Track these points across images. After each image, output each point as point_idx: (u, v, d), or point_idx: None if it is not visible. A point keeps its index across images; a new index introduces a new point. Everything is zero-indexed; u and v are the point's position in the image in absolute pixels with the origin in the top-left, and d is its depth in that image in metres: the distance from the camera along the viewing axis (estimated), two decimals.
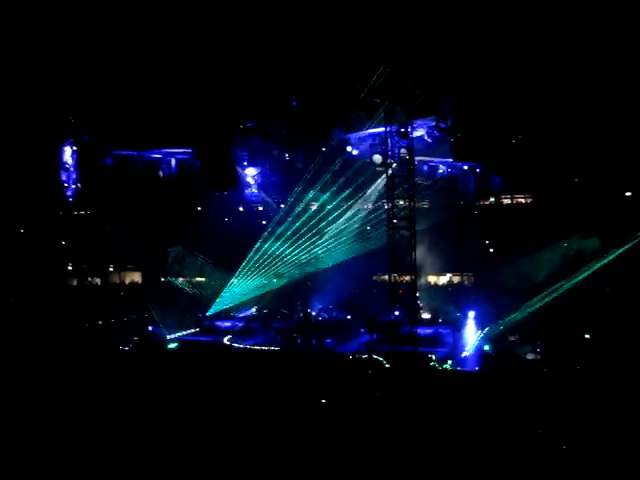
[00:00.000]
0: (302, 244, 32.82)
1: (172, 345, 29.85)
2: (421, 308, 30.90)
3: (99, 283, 36.84)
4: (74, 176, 35.25)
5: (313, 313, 32.17)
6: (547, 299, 27.90)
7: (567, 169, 30.66)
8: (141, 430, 18.77)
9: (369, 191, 32.36)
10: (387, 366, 25.95)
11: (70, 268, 36.63)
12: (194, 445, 17.97)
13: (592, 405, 20.40)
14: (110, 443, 17.85)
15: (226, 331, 31.83)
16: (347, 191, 32.26)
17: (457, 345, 28.29)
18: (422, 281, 31.50)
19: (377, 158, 29.11)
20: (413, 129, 28.81)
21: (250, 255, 32.48)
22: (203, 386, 23.03)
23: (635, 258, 27.54)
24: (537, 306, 27.92)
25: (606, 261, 27.84)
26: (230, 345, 30.06)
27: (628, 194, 30.25)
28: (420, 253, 29.72)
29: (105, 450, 17.42)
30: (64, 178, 35.17)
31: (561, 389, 22.54)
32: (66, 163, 34.94)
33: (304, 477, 16.42)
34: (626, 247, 27.66)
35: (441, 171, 33.34)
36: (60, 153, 34.79)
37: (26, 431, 18.25)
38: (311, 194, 32.71)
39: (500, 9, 27.73)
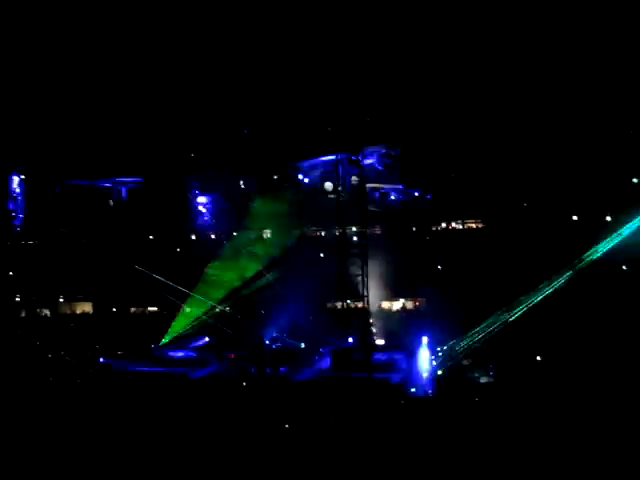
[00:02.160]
0: (254, 272, 32.76)
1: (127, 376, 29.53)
2: (375, 334, 30.98)
3: (49, 314, 36.19)
4: (22, 205, 34.74)
5: (267, 341, 32.01)
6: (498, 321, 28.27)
7: (517, 194, 31.11)
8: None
9: (320, 218, 32.45)
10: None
11: (18, 299, 35.90)
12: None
13: (544, 426, 20.71)
14: None
15: (179, 361, 31.53)
16: (299, 218, 32.34)
17: (411, 370, 28.41)
18: (375, 307, 31.56)
19: (328, 185, 29.35)
20: (364, 157, 29.07)
21: (201, 283, 32.30)
22: (160, 416, 22.85)
23: (582, 282, 28.09)
24: (486, 330, 28.26)
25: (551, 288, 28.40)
26: (184, 375, 29.80)
27: (575, 218, 30.79)
28: (372, 279, 29.87)
29: None
30: (12, 207, 34.64)
31: (514, 412, 22.81)
32: (14, 192, 34.44)
33: None
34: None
35: (392, 198, 33.58)
36: (8, 182, 34.29)
37: None
38: (262, 222, 32.73)
39: (447, 35, 28.22)
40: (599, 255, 28.40)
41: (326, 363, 29.37)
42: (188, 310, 32.95)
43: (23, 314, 35.77)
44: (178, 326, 32.89)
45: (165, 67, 29.61)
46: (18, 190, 34.62)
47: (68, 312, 35.81)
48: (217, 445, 20.34)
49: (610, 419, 20.74)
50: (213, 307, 33.04)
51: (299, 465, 18.87)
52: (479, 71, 28.56)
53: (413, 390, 26.68)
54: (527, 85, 28.39)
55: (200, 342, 33.03)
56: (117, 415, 23.23)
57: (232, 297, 32.99)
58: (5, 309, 34.69)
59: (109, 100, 30.48)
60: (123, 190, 35.03)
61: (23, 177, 34.51)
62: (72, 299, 35.67)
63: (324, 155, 30.47)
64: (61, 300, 35.60)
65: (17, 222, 34.98)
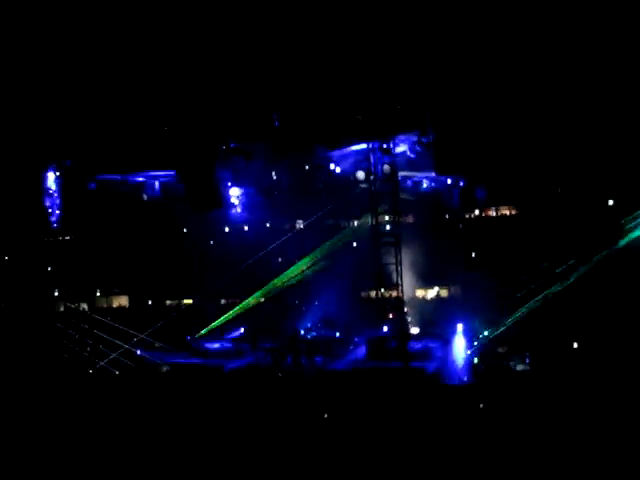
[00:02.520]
0: (289, 263, 32.89)
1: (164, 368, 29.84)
2: (409, 323, 30.93)
3: (86, 308, 36.65)
4: (58, 201, 35.12)
5: (302, 332, 32.11)
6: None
7: (551, 180, 30.79)
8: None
9: (353, 208, 32.44)
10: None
11: (57, 294, 36.38)
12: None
13: (582, 414, 20.51)
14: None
15: (215, 353, 31.75)
16: (331, 208, 32.37)
17: (446, 359, 28.32)
18: (409, 296, 31.48)
19: (360, 174, 29.27)
20: (395, 145, 28.96)
21: (238, 276, 32.48)
22: (197, 408, 23.03)
23: (617, 267, 27.75)
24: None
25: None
26: (220, 367, 30.01)
27: (610, 203, 30.39)
28: (407, 268, 29.79)
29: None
30: (48, 204, 35.04)
31: (550, 399, 22.65)
32: (49, 189, 34.82)
33: None
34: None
35: (425, 186, 33.42)
36: (43, 179, 34.68)
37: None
38: (295, 213, 32.80)
39: (480, 21, 27.94)
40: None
41: (361, 352, 29.38)
42: (223, 302, 33.18)
43: (62, 308, 36.24)
44: (214, 318, 33.14)
45: (198, 59, 29.65)
46: (54, 187, 34.95)
47: (105, 306, 36.27)
48: (256, 435, 20.44)
49: None
50: (248, 298, 33.24)
51: (338, 454, 18.91)
52: (512, 56, 28.23)
53: (447, 379, 26.62)
54: (562, 69, 28.02)
55: (236, 333, 33.22)
56: (154, 406, 23.46)
57: (267, 288, 33.16)
58: (44, 304, 35.15)
59: (141, 94, 30.61)
60: (156, 184, 35.27)
61: (58, 174, 34.83)
62: (109, 293, 36.08)
63: (355, 144, 30.38)
64: (98, 294, 36.03)
65: (53, 218, 35.33)
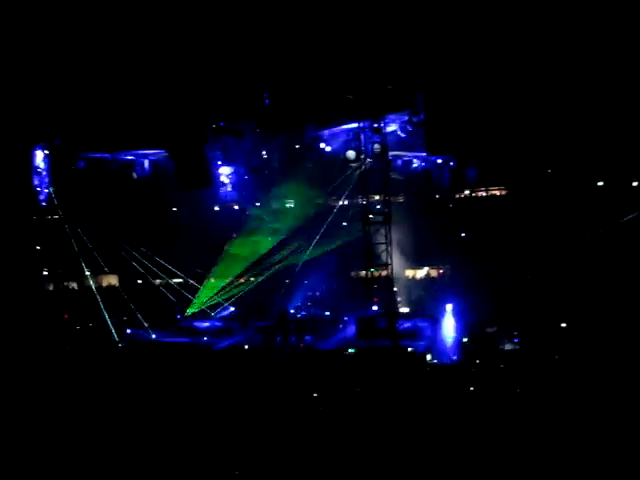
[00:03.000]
0: (279, 242, 32.86)
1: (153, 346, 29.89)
2: (399, 302, 30.99)
3: (76, 287, 36.55)
4: (47, 180, 34.93)
5: (292, 311, 32.15)
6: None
7: (541, 160, 30.81)
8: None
9: (343, 187, 32.40)
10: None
11: (46, 273, 36.27)
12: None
13: (571, 394, 20.61)
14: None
15: (204, 331, 31.78)
16: (321, 187, 32.32)
17: (436, 338, 28.41)
18: (400, 275, 31.52)
19: (351, 154, 29.24)
20: (386, 124, 28.90)
21: (226, 254, 32.46)
22: (186, 387, 23.04)
23: (609, 247, 27.87)
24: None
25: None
26: (210, 345, 30.05)
27: (600, 184, 30.47)
28: (396, 247, 29.82)
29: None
30: (36, 182, 34.84)
31: (539, 379, 22.75)
32: (38, 167, 34.60)
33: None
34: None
35: (415, 165, 33.40)
36: (32, 157, 34.46)
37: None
38: (285, 191, 32.74)
39: (470, 3, 27.84)
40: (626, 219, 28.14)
41: (351, 331, 29.42)
42: (213, 281, 33.14)
43: (51, 287, 36.15)
44: (203, 297, 33.11)
45: (186, 37, 29.45)
46: (42, 165, 34.73)
47: (94, 285, 36.17)
48: (244, 414, 20.45)
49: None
50: (238, 277, 33.25)
51: (328, 433, 18.95)
52: (504, 36, 28.14)
53: (436, 359, 26.75)
54: (552, 49, 27.96)
55: (225, 312, 33.24)
56: (143, 385, 23.46)
57: (256, 267, 33.16)
58: (33, 283, 35.05)
59: (130, 72, 30.41)
60: (146, 162, 35.12)
61: (47, 152, 34.62)
62: (98, 272, 35.98)
63: (346, 123, 30.30)
64: (87, 273, 35.93)
65: (42, 197, 35.15)
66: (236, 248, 32.81)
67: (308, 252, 32.35)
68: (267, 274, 33.20)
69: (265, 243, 33.05)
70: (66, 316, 33.12)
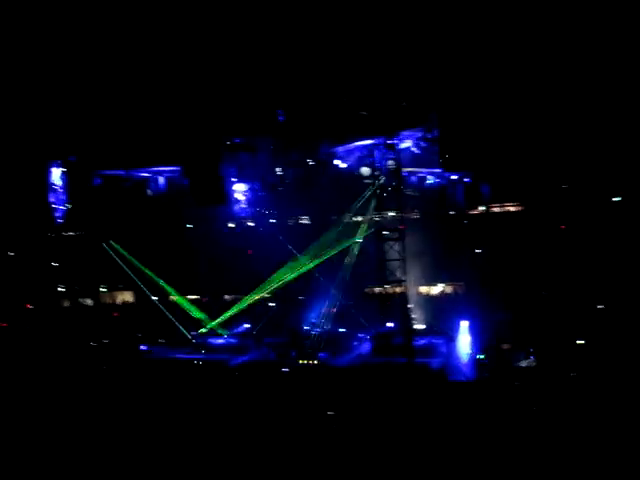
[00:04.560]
0: (293, 258, 32.86)
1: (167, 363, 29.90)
2: (414, 319, 30.87)
3: (91, 304, 36.67)
4: (62, 197, 35.14)
5: (306, 327, 32.08)
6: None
7: (556, 176, 30.72)
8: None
9: (358, 203, 32.39)
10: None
11: (61, 289, 36.40)
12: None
13: (587, 412, 20.44)
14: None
15: (219, 348, 31.76)
16: (335, 204, 32.32)
17: (451, 355, 28.27)
18: (414, 292, 31.41)
19: (365, 170, 29.31)
20: (400, 140, 28.93)
21: (240, 270, 32.48)
22: (200, 404, 23.03)
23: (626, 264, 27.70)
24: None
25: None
26: (224, 362, 30.05)
27: (616, 199, 30.31)
28: (411, 264, 29.73)
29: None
30: (52, 199, 35.06)
31: (556, 396, 22.59)
32: (54, 184, 34.85)
33: None
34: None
35: (429, 182, 33.34)
36: (48, 174, 34.71)
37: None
38: (299, 208, 32.78)
39: (485, 18, 27.89)
40: None
41: (366, 348, 29.33)
42: (227, 297, 33.15)
43: (66, 304, 36.26)
44: (218, 313, 33.15)
45: (202, 55, 29.67)
46: (59, 182, 34.97)
47: (110, 301, 36.25)
48: (259, 431, 20.41)
49: None
50: (252, 294, 33.22)
51: (342, 450, 18.88)
52: (519, 54, 28.20)
53: (451, 375, 26.60)
54: (567, 67, 27.97)
55: (240, 329, 33.21)
56: (157, 401, 23.47)
57: (270, 284, 33.12)
58: (49, 299, 35.18)
59: (145, 90, 30.64)
60: (161, 179, 35.26)
61: (63, 169, 34.87)
62: (113, 288, 36.07)
63: (360, 140, 30.36)
64: (103, 290, 36.03)
65: (58, 214, 35.35)
66: (250, 265, 32.79)
67: (321, 269, 32.35)
68: (281, 291, 33.17)
69: (279, 260, 33.02)
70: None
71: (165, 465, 18.14)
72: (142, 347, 31.60)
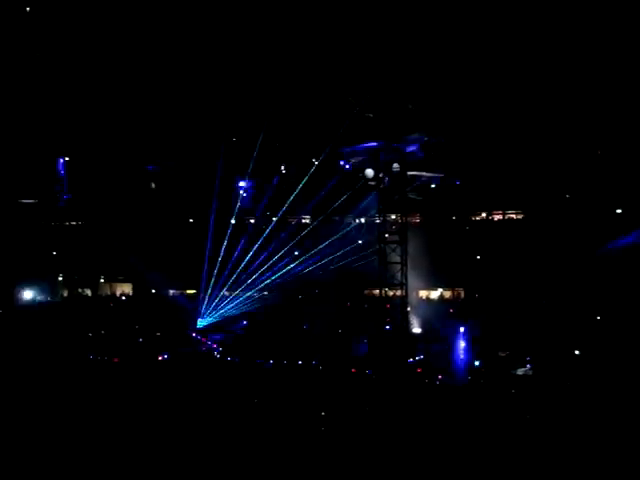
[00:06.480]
0: (294, 257, 32.89)
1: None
2: (412, 323, 30.85)
3: (89, 294, 36.74)
4: (66, 186, 35.25)
5: (304, 327, 32.09)
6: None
7: (559, 185, 30.75)
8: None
9: (361, 205, 32.43)
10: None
11: (61, 279, 36.49)
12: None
13: (581, 421, 20.43)
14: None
15: (217, 343, 31.79)
16: (338, 205, 32.37)
17: (448, 360, 28.24)
18: (413, 296, 31.41)
19: (369, 172, 29.19)
20: (405, 144, 28.87)
21: (241, 268, 32.52)
22: (197, 398, 23.06)
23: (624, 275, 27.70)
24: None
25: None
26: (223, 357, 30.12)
27: (619, 211, 30.33)
28: (411, 267, 29.70)
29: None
30: (57, 188, 35.19)
31: (551, 405, 22.57)
32: (59, 174, 34.96)
33: None
34: None
35: (433, 186, 33.34)
36: (53, 164, 34.82)
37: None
38: (302, 207, 32.80)
39: (491, 25, 27.95)
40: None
41: (362, 349, 29.33)
42: (226, 294, 33.17)
43: (65, 293, 36.34)
44: (217, 309, 33.16)
45: (207, 53, 29.77)
46: (63, 172, 35.09)
47: (108, 292, 36.33)
48: (253, 428, 20.43)
49: None
50: (251, 291, 33.26)
51: (335, 451, 18.89)
52: (523, 61, 28.24)
53: (448, 380, 26.59)
54: (572, 76, 28.01)
55: (238, 326, 33.22)
56: (154, 394, 23.51)
57: (270, 282, 33.16)
58: (48, 288, 35.26)
59: (150, 84, 30.77)
60: (165, 173, 35.36)
61: (68, 159, 34.98)
62: (113, 280, 36.16)
63: (365, 142, 30.33)
64: (102, 281, 36.12)
65: (61, 203, 35.47)
66: (251, 262, 32.82)
67: (321, 269, 32.39)
68: (280, 289, 33.20)
69: (280, 258, 33.05)
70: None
71: (159, 455, 18.19)
72: (140, 340, 31.60)
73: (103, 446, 18.77)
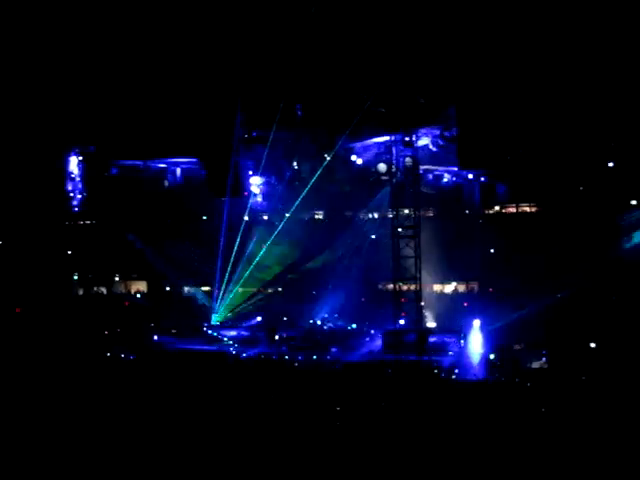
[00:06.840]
0: (307, 253, 32.91)
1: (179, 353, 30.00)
2: (426, 317, 30.83)
3: (105, 292, 36.86)
4: (80, 186, 35.34)
5: (318, 322, 32.11)
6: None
7: (572, 178, 30.61)
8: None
9: (374, 200, 32.40)
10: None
11: (76, 278, 36.61)
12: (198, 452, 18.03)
13: (596, 415, 20.32)
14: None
15: (231, 340, 31.84)
16: (351, 200, 32.36)
17: (462, 354, 28.22)
18: (427, 290, 31.37)
19: (382, 167, 29.29)
20: (418, 138, 28.88)
21: (254, 263, 32.56)
22: (210, 395, 23.06)
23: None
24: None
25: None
26: (235, 354, 30.12)
27: (633, 202, 30.17)
28: (425, 262, 29.67)
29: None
30: (70, 188, 35.27)
31: (566, 398, 22.47)
32: (72, 173, 35.06)
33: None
34: None
35: (446, 180, 33.31)
36: (66, 163, 34.90)
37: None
38: (315, 203, 32.80)
39: (505, 18, 27.81)
40: None
41: (377, 344, 29.32)
42: (240, 290, 33.22)
43: (81, 292, 36.45)
44: (230, 305, 33.21)
45: (221, 48, 29.75)
46: (76, 171, 35.16)
47: (123, 290, 36.43)
48: (266, 425, 20.40)
49: None
50: (265, 287, 33.31)
51: (350, 447, 18.83)
52: (540, 53, 28.09)
53: (461, 374, 26.59)
54: (588, 69, 27.86)
55: (252, 322, 33.26)
56: (168, 391, 23.52)
57: (284, 277, 33.18)
58: (63, 287, 35.36)
59: (165, 81, 30.77)
60: (178, 171, 35.39)
61: (81, 158, 35.05)
62: (127, 278, 36.26)
63: (377, 136, 30.35)
64: (116, 279, 36.22)
65: (75, 202, 35.55)
66: (264, 258, 32.84)
67: (336, 263, 32.39)
68: (294, 284, 33.21)
69: (293, 253, 33.07)
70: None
71: (173, 454, 18.20)
72: (155, 337, 31.68)
73: (121, 442, 18.81)
